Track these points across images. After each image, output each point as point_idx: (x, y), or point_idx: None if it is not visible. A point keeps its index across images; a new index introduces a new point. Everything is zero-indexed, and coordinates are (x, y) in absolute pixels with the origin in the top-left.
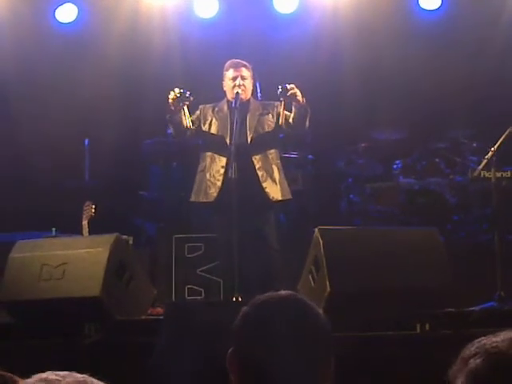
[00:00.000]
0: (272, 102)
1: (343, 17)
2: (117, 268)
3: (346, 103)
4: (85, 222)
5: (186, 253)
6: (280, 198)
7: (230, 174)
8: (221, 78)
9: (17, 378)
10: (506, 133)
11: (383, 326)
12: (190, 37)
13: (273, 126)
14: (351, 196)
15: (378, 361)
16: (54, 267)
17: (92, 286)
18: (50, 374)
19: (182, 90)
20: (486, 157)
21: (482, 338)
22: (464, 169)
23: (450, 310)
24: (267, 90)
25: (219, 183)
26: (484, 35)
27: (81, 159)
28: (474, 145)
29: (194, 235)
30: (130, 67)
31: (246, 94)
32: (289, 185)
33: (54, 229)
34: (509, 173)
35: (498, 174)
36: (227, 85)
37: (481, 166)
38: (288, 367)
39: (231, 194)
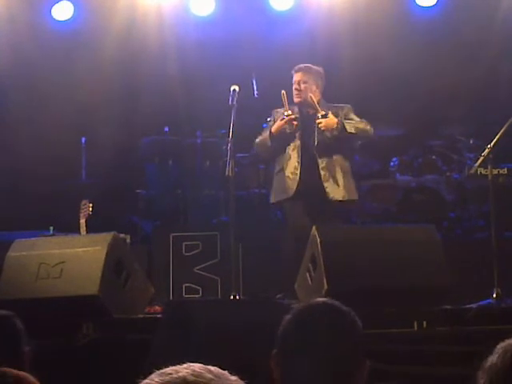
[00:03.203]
0: (341, 106)
1: (339, 14)
2: (114, 266)
3: (342, 100)
4: (82, 221)
5: (183, 251)
6: (340, 199)
7: (226, 172)
8: (217, 75)
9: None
10: (507, 125)
11: (381, 324)
12: (187, 34)
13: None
14: None
15: (375, 358)
16: (52, 266)
17: (90, 285)
18: (203, 371)
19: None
20: (483, 154)
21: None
22: (461, 166)
23: (447, 307)
24: (263, 86)
25: (297, 178)
26: (480, 31)
27: (78, 158)
28: (471, 142)
29: (191, 233)
30: (126, 65)
31: (303, 97)
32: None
33: (51, 227)
34: (505, 170)
35: (495, 171)
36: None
37: (477, 163)
38: (326, 369)
39: (228, 192)
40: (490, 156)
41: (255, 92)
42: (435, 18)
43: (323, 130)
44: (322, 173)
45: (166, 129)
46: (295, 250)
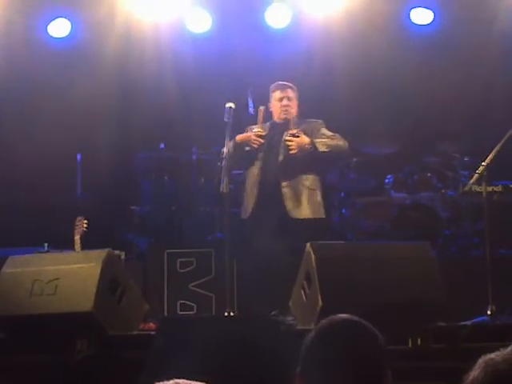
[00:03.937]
0: (312, 121)
1: (335, 31)
2: (109, 283)
3: (338, 117)
4: (77, 237)
5: (178, 268)
6: (301, 217)
7: (221, 189)
8: (213, 92)
9: None
10: (501, 142)
11: None
12: (183, 52)
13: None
14: (343, 210)
15: None
16: (46, 282)
17: (84, 302)
18: None
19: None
20: (478, 171)
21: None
22: (455, 183)
23: (441, 324)
24: (259, 103)
25: (255, 196)
26: (476, 50)
27: (73, 174)
28: (466, 159)
29: (186, 250)
30: (122, 82)
31: (291, 114)
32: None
33: (46, 244)
34: (500, 187)
35: (489, 189)
36: (274, 106)
37: (472, 181)
38: None
39: (223, 209)
40: (485, 173)
41: (251, 109)
42: (431, 36)
43: (295, 152)
44: (284, 190)
45: (162, 145)
46: (253, 271)
